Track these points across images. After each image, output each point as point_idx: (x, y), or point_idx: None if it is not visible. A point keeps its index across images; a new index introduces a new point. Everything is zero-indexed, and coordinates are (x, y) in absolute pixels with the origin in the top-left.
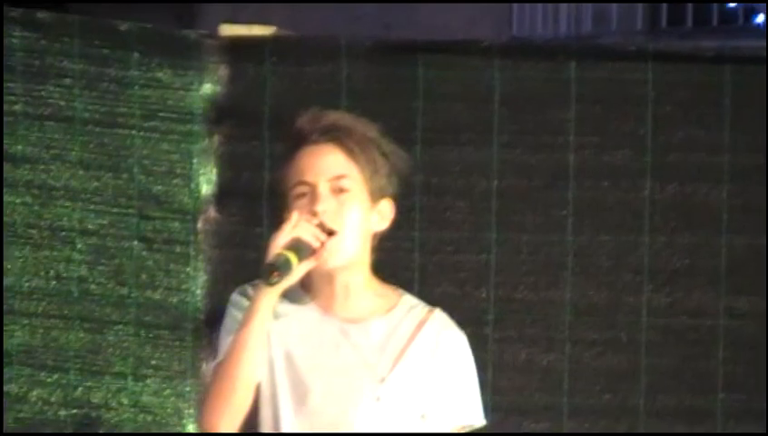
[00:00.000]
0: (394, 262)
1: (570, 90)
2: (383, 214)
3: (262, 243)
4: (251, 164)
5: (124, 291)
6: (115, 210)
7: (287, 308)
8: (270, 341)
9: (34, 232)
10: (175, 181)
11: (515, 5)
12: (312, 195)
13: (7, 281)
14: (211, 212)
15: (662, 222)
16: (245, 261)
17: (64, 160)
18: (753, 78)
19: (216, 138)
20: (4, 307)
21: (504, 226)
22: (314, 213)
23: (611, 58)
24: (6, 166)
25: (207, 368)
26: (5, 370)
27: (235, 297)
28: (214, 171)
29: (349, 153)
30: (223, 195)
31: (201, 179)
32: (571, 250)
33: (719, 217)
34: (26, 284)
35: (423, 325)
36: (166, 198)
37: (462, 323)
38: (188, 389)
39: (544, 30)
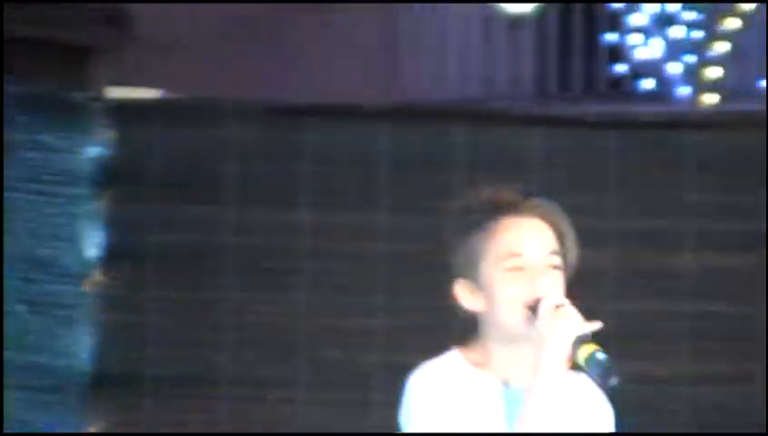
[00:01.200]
0: (281, 324)
1: (457, 154)
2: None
3: (149, 306)
4: (137, 227)
5: (8, 355)
6: None
7: (472, 380)
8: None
9: None
10: (61, 244)
11: (403, 68)
12: (531, 271)
13: None
14: (97, 275)
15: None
16: (131, 324)
17: None
18: (637, 142)
19: (102, 201)
20: None
21: (391, 291)
22: (536, 290)
23: (498, 123)
24: None
25: None
26: None
27: (435, 377)
28: (100, 234)
29: (557, 230)
30: (109, 258)
31: (87, 242)
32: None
33: (604, 282)
34: None
35: (579, 382)
36: (51, 261)
37: (347, 387)
38: None
39: (432, 94)
